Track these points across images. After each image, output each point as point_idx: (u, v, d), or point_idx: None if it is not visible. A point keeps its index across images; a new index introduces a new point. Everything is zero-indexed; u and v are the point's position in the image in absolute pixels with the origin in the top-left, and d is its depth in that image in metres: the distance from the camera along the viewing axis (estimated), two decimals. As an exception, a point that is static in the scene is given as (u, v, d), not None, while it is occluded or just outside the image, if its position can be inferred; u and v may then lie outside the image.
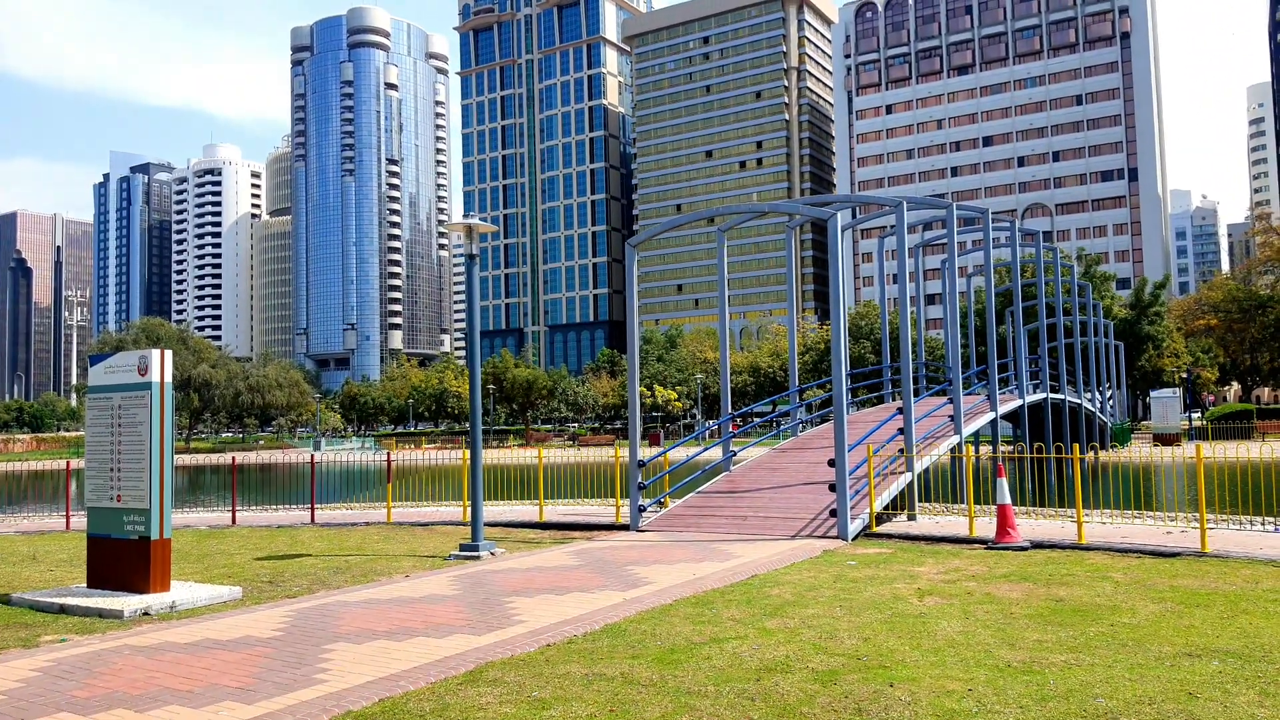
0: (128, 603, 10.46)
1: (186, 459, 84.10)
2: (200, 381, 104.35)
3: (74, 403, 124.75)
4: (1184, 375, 78.99)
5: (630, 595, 10.57)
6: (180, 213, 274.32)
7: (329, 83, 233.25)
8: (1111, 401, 53.09)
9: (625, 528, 17.35)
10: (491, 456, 54.04)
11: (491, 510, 20.83)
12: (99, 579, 11.39)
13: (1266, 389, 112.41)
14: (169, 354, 11.56)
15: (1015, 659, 7.45)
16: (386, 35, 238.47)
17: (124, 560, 11.16)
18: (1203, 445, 14.28)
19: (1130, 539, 13.99)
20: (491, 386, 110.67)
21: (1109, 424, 49.18)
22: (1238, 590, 10.10)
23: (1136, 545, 13.36)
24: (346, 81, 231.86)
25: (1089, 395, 43.93)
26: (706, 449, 23.06)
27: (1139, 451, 45.45)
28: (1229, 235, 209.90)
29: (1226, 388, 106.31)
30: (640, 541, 15.39)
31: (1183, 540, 13.67)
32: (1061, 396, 36.36)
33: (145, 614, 10.34)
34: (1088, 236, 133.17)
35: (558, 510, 20.78)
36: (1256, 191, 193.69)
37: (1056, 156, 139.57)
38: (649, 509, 18.16)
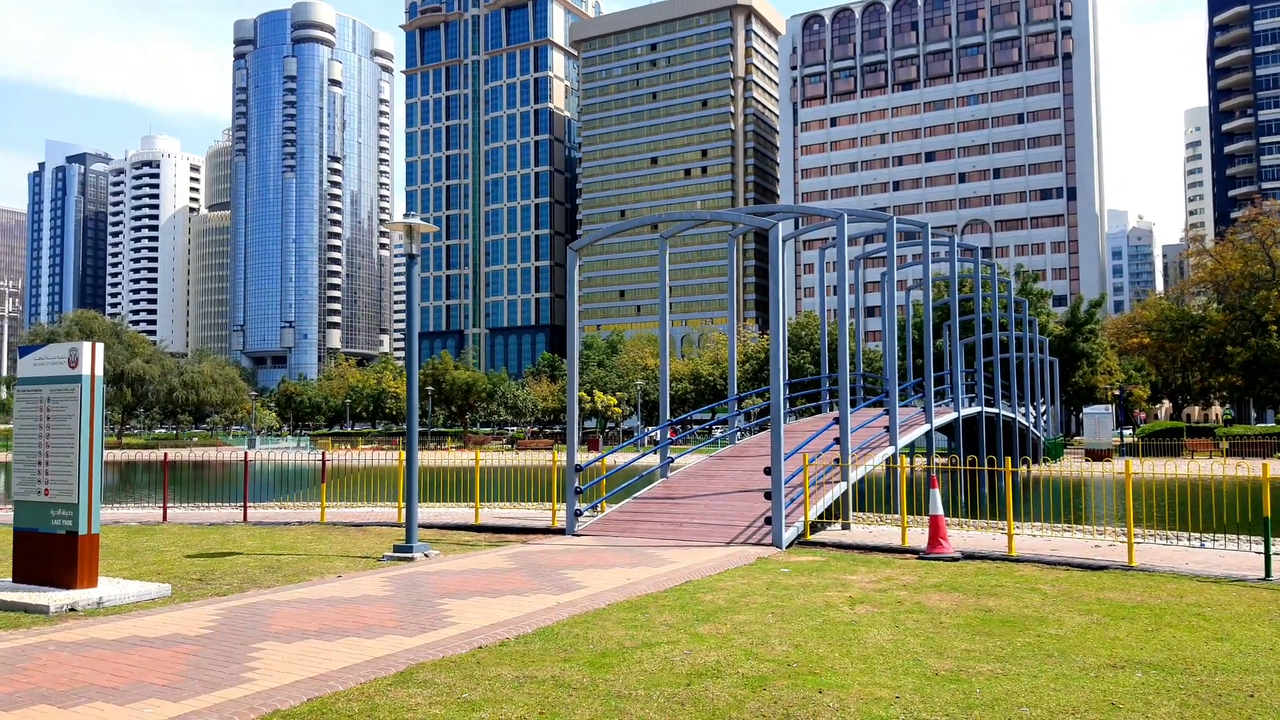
0: (54, 598, 10.26)
1: (118, 454, 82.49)
2: (134, 376, 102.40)
3: (3, 395, 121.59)
4: (1117, 392, 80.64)
5: (564, 599, 10.57)
6: (117, 204, 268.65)
7: (272, 77, 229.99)
8: (1045, 416, 54.07)
9: (561, 532, 17.33)
10: (429, 458, 53.62)
11: (427, 512, 20.69)
12: (25, 574, 11.16)
13: (1196, 408, 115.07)
14: (100, 347, 11.37)
15: (943, 668, 7.57)
16: (331, 31, 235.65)
17: (51, 555, 10.94)
18: (1132, 461, 14.60)
19: (1059, 552, 14.26)
20: (430, 388, 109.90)
21: (1042, 439, 50.09)
22: (1162, 604, 10.32)
23: (1065, 558, 13.62)
24: (290, 76, 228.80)
25: (1023, 410, 44.69)
26: (644, 455, 23.12)
27: (1071, 466, 46.26)
28: (1164, 256, 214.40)
29: (1158, 405, 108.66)
30: (576, 546, 15.38)
31: (1111, 554, 13.96)
32: (996, 410, 36.96)
33: (71, 610, 10.15)
34: (1026, 253, 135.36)
35: (494, 513, 20.70)
36: (1192, 214, 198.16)
37: (997, 173, 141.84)
38: (585, 514, 18.17)
